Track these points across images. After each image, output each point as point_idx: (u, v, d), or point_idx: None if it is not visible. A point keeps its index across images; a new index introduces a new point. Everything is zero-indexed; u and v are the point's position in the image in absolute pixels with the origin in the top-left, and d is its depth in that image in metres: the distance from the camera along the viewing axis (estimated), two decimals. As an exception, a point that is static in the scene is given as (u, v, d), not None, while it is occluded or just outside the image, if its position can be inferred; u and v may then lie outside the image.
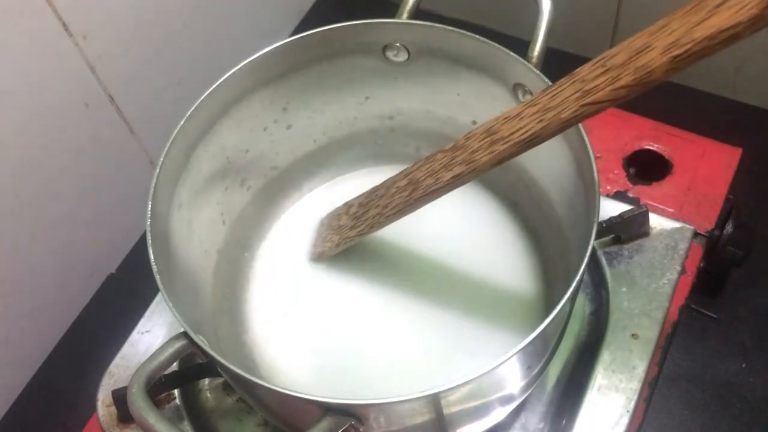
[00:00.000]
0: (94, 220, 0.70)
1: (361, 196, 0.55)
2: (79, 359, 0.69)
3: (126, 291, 0.73)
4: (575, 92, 0.38)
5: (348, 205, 0.56)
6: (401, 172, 0.50)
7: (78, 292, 0.72)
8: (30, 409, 0.67)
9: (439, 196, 0.47)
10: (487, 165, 0.43)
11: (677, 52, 0.33)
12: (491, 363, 0.38)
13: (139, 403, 0.37)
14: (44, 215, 0.65)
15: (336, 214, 0.57)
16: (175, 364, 0.43)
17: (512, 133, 0.41)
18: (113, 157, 0.70)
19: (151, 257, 0.43)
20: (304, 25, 0.89)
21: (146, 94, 0.70)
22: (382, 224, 0.51)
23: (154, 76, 0.70)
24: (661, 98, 0.79)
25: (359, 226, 0.53)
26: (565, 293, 0.41)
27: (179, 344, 0.41)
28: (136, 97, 0.69)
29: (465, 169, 0.44)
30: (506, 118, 0.42)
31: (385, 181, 0.52)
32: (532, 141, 0.41)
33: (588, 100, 0.37)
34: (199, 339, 0.40)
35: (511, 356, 0.38)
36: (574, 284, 0.41)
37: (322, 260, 0.58)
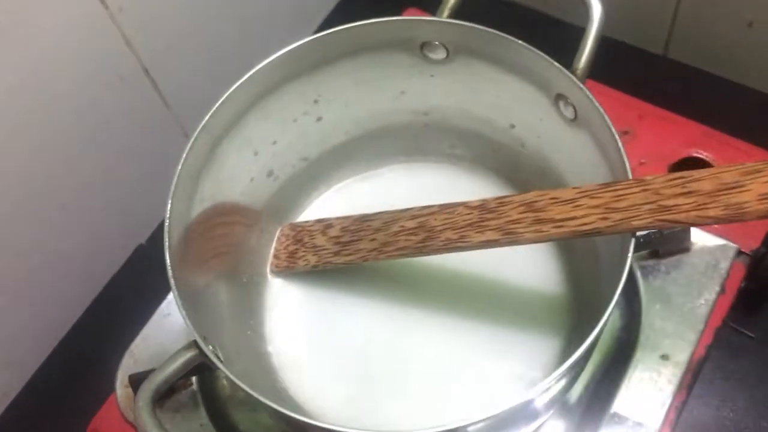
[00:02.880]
0: (126, 191, 0.70)
1: (343, 219, 0.54)
2: (103, 330, 0.69)
3: (154, 262, 0.72)
4: (648, 202, 0.39)
5: (325, 225, 0.54)
6: (405, 211, 0.49)
7: (107, 260, 0.73)
8: (53, 378, 0.68)
9: (460, 251, 0.47)
10: (531, 241, 0.43)
11: None
12: (513, 399, 0.37)
13: (145, 419, 0.36)
14: (77, 185, 0.65)
15: (308, 231, 0.56)
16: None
17: (566, 219, 0.41)
18: (148, 130, 0.69)
19: (167, 261, 0.42)
20: (343, 12, 0.86)
21: (183, 68, 0.69)
22: (378, 260, 0.51)
23: (191, 49, 0.69)
24: (716, 98, 0.76)
25: (347, 254, 0.52)
26: (594, 316, 0.40)
27: (189, 354, 0.40)
28: (172, 70, 0.68)
29: (501, 237, 0.44)
30: (554, 198, 0.42)
31: (380, 214, 0.51)
32: (592, 234, 0.41)
33: (667, 216, 0.38)
34: (209, 350, 0.39)
35: (535, 396, 0.37)
36: (607, 313, 0.39)
37: (287, 273, 0.57)
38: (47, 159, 0.61)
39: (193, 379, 0.57)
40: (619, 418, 0.53)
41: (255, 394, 0.38)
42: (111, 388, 0.59)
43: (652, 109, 0.65)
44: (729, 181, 0.37)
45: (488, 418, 0.38)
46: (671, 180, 0.39)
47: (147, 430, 0.36)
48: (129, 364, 0.58)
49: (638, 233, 0.42)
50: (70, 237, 0.67)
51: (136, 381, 0.56)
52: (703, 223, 0.38)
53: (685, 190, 0.38)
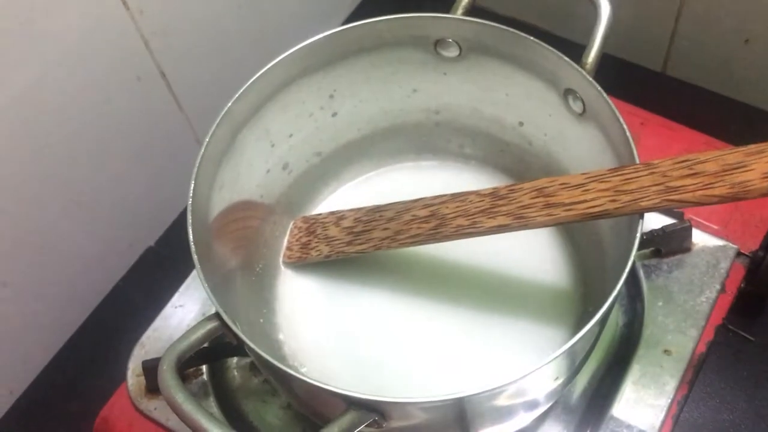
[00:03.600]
0: (137, 192, 0.71)
1: (356, 210, 0.55)
2: (113, 328, 0.70)
3: (163, 264, 0.74)
4: (656, 184, 0.40)
5: (338, 216, 0.56)
6: (417, 201, 0.51)
7: (117, 261, 0.73)
8: (62, 372, 0.69)
9: (471, 237, 0.48)
10: (541, 225, 0.45)
11: None
12: (517, 373, 0.38)
13: (169, 381, 0.37)
14: (91, 182, 0.66)
15: (321, 222, 0.57)
16: (205, 341, 0.43)
17: (576, 203, 0.43)
18: (160, 132, 0.70)
19: (190, 237, 0.43)
20: (358, 11, 0.88)
21: (197, 72, 0.70)
22: (391, 248, 0.52)
23: (206, 54, 0.70)
24: (714, 111, 0.78)
25: (360, 243, 0.53)
26: (600, 307, 0.41)
27: (211, 325, 0.41)
28: (187, 74, 0.69)
29: (513, 222, 0.45)
30: (564, 184, 0.44)
31: (393, 204, 0.53)
32: (601, 216, 0.43)
33: (674, 197, 0.40)
34: (230, 321, 0.41)
35: (536, 370, 0.39)
36: (608, 302, 0.40)
37: (299, 264, 0.58)
38: (63, 156, 0.62)
39: (204, 368, 0.58)
40: (622, 412, 0.54)
41: (276, 364, 0.39)
42: (119, 381, 0.60)
43: (654, 117, 0.67)
44: (733, 161, 0.38)
45: (486, 392, 0.38)
46: (678, 163, 0.40)
47: (171, 391, 0.37)
48: (140, 355, 0.59)
49: (642, 232, 0.43)
50: (80, 235, 0.67)
51: (149, 368, 0.56)
52: (709, 202, 0.39)
53: (692, 171, 0.40)
